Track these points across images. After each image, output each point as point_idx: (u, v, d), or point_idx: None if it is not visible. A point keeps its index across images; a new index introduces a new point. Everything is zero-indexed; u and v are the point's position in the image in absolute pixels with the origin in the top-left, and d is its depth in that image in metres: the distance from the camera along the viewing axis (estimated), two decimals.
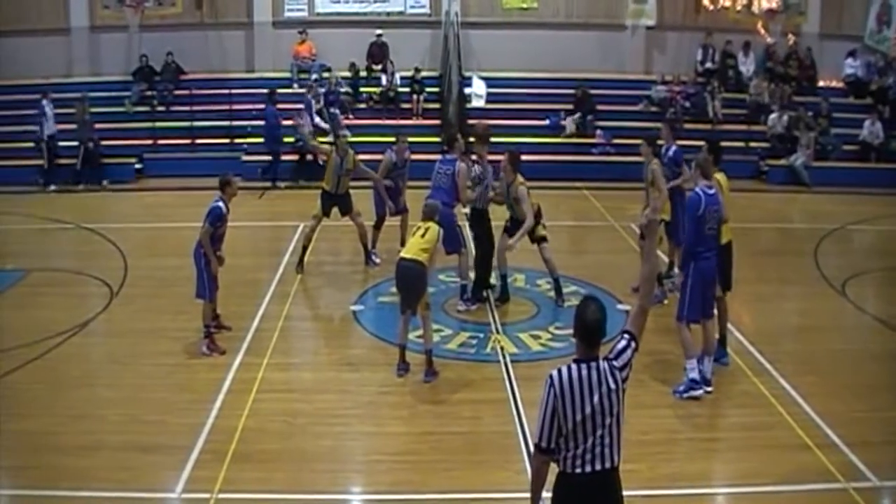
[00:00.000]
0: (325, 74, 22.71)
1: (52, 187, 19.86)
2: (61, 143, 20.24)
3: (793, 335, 11.73)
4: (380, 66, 23.31)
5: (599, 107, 22.28)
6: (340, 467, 8.45)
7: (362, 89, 22.94)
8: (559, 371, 5.20)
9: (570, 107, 22.28)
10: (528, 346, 11.03)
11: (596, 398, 5.11)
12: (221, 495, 7.79)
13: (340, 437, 8.98)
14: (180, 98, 22.11)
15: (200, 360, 10.61)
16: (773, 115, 21.99)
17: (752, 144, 21.88)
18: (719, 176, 10.16)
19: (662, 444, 8.60)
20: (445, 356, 10.67)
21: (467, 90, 22.15)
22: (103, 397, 9.96)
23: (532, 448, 5.29)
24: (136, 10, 23.22)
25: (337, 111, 21.25)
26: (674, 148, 12.70)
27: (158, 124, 21.34)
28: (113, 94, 22.55)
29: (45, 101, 20.30)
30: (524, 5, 24.10)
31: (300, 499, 7.84)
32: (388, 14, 24.05)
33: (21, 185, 19.63)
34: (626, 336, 5.35)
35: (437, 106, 22.41)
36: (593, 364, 5.18)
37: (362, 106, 22.70)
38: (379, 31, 23.36)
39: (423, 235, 10.05)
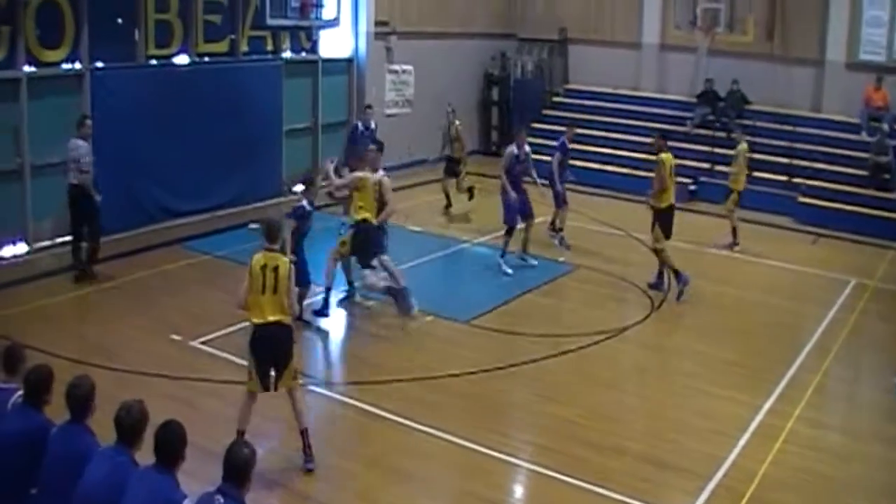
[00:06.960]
0: None
1: None
2: None
3: None
4: None
5: None
6: None
7: None
8: None
9: None
10: None
11: None
12: None
13: None
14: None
15: (725, 390, 10.55)
16: None
17: None
18: None
19: None
20: None
21: None
22: (629, 404, 10.40)
23: None
24: (706, 34, 23.36)
25: None
26: None
27: (717, 150, 21.38)
28: (676, 112, 23.14)
29: None
30: None
31: None
32: None
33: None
34: None
35: None
36: None
37: None
38: None
39: None
